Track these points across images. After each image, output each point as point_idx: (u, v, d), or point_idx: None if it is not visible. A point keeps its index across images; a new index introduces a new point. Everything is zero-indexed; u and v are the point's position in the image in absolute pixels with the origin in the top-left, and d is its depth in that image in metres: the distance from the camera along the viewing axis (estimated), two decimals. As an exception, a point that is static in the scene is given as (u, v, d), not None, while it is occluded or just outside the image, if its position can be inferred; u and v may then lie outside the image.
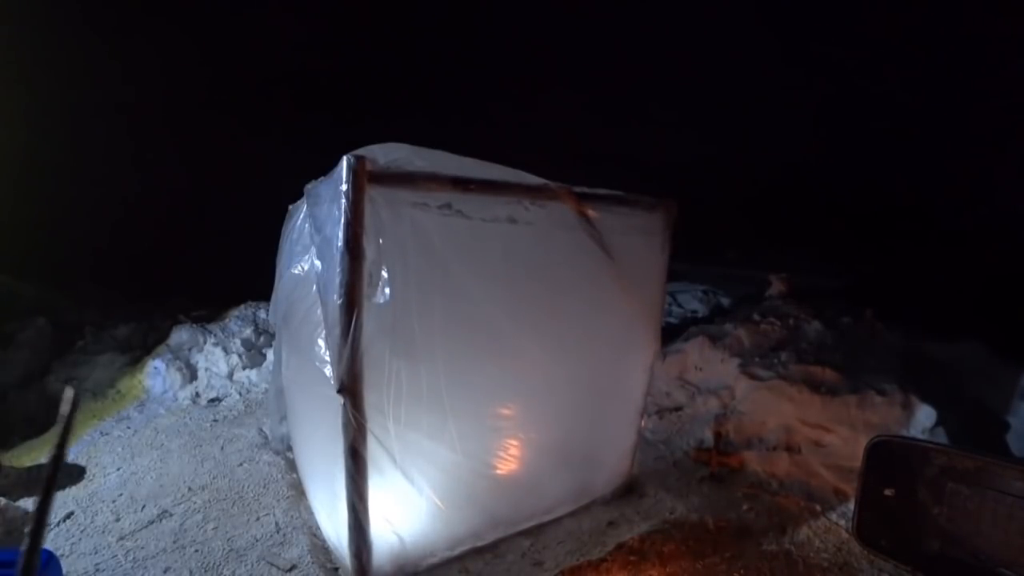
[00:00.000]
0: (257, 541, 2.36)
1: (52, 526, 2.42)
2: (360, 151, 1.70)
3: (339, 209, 1.68)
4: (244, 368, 4.29)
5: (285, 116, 8.43)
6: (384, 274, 1.75)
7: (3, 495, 2.54)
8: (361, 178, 1.67)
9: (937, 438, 2.87)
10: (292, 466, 2.91)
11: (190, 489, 2.78)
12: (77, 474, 2.89)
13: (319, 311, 1.93)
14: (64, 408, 1.50)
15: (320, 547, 2.31)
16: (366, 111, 8.34)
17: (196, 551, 2.28)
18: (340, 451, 1.80)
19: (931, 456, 2.23)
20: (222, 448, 3.26)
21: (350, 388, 1.73)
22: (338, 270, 1.70)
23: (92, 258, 6.24)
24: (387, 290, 1.76)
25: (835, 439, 3.00)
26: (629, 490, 2.80)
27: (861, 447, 2.41)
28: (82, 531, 2.41)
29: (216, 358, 4.24)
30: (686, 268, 6.30)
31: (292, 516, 2.56)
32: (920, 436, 2.84)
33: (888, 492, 2.30)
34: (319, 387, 1.91)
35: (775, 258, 5.88)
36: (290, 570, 2.17)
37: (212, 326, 4.54)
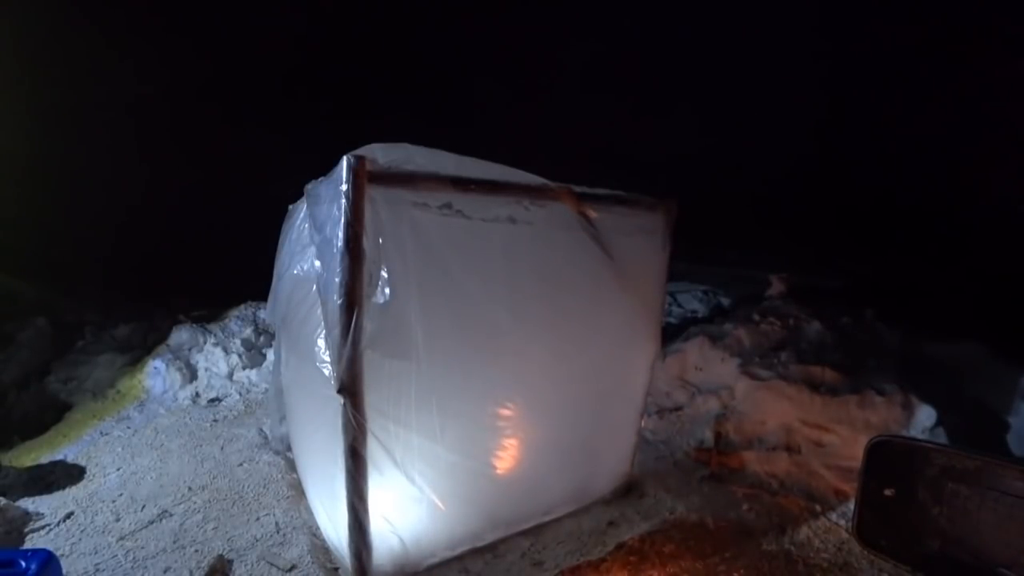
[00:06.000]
0: (257, 541, 2.36)
1: (52, 526, 2.43)
2: (360, 151, 1.69)
3: (339, 209, 1.68)
4: (244, 368, 4.29)
5: (285, 115, 8.43)
6: (384, 274, 1.75)
7: (3, 495, 2.55)
8: (361, 178, 1.67)
9: (937, 438, 2.87)
10: (292, 466, 2.91)
11: (190, 489, 2.78)
12: (77, 474, 2.89)
13: (319, 311, 1.93)
14: None
15: (320, 547, 2.31)
16: (366, 111, 8.34)
17: (196, 551, 2.28)
18: (340, 451, 1.79)
19: (931, 456, 2.23)
20: (222, 448, 3.26)
21: (350, 388, 1.73)
22: (338, 270, 1.69)
23: (92, 258, 6.24)
24: (387, 290, 1.76)
25: (835, 439, 3.00)
26: (629, 490, 2.80)
27: (861, 447, 2.41)
28: (82, 531, 2.41)
29: (216, 358, 4.24)
30: (686, 268, 6.29)
31: (292, 516, 2.56)
32: (920, 436, 2.85)
33: (888, 492, 2.30)
34: (319, 387, 1.91)
35: (775, 258, 5.87)
36: (290, 570, 2.18)
37: (212, 326, 4.54)
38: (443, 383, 1.95)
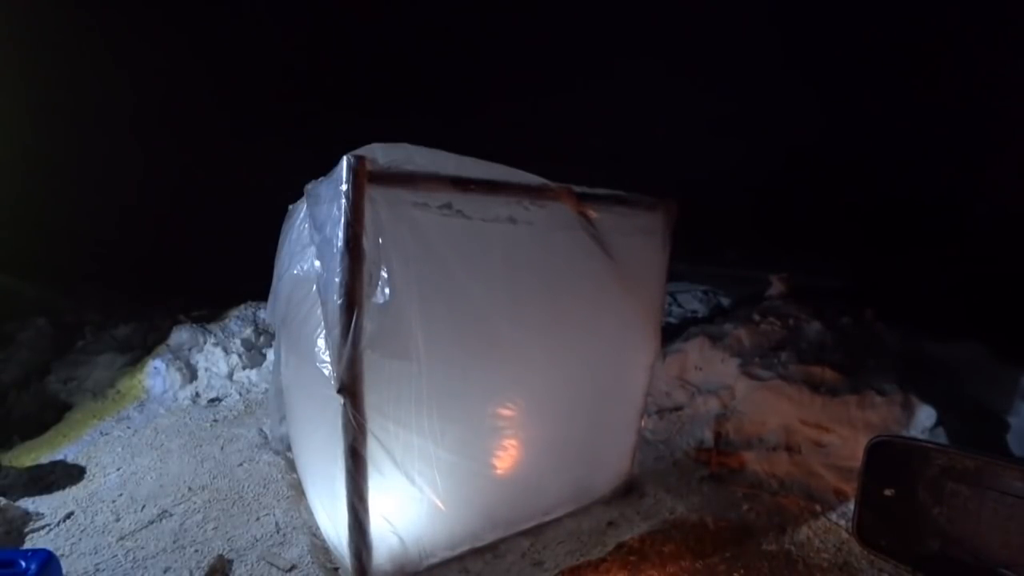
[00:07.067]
0: (257, 541, 2.36)
1: (52, 526, 2.43)
2: (360, 151, 1.69)
3: (339, 209, 1.68)
4: (244, 368, 4.29)
5: (285, 116, 8.43)
6: (384, 274, 1.75)
7: (3, 495, 2.55)
8: (361, 178, 1.67)
9: (937, 438, 2.87)
10: (292, 466, 2.91)
11: (190, 489, 2.78)
12: (77, 474, 2.89)
13: (319, 311, 1.93)
14: None
15: (320, 547, 2.31)
16: (366, 110, 8.34)
17: (196, 551, 2.28)
18: (340, 451, 1.80)
19: (931, 456, 2.23)
20: (222, 448, 3.26)
21: (350, 388, 1.73)
22: (338, 270, 1.69)
23: (92, 258, 6.24)
24: (387, 290, 1.76)
25: (835, 439, 3.00)
26: (629, 490, 2.80)
27: (861, 447, 2.41)
28: (82, 531, 2.41)
29: (216, 358, 4.24)
30: (686, 268, 6.29)
31: (292, 516, 2.56)
32: (920, 436, 2.84)
33: (888, 492, 2.30)
34: (319, 387, 1.91)
35: (775, 258, 5.87)
36: (290, 570, 2.18)
37: (212, 326, 4.54)
38: (443, 383, 1.95)
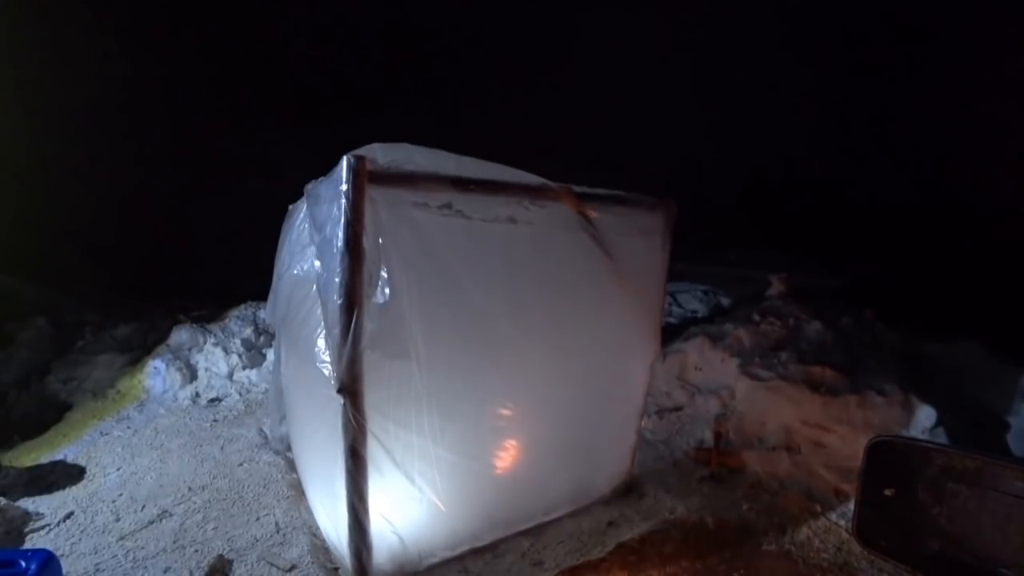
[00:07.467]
0: (257, 541, 2.36)
1: (52, 526, 2.43)
2: (360, 151, 1.70)
3: (339, 209, 1.68)
4: (244, 368, 4.29)
5: (285, 115, 8.43)
6: (384, 274, 1.75)
7: (3, 495, 2.55)
8: (361, 178, 1.67)
9: (937, 438, 2.87)
10: (292, 466, 2.91)
11: (190, 489, 2.78)
12: (77, 474, 2.89)
13: (319, 311, 1.93)
14: None
15: (320, 547, 2.31)
16: (366, 110, 8.34)
17: (196, 551, 2.28)
18: (340, 451, 1.80)
19: (931, 456, 2.23)
20: (222, 448, 3.26)
21: (350, 388, 1.73)
22: (338, 270, 1.69)
23: (92, 258, 6.24)
24: (387, 290, 1.76)
25: (835, 439, 3.00)
26: (629, 490, 2.80)
27: (861, 447, 2.41)
28: (82, 531, 2.41)
29: (216, 358, 4.24)
30: (686, 268, 6.29)
31: (292, 516, 2.56)
32: (920, 436, 2.85)
33: (888, 492, 2.30)
34: (319, 387, 1.91)
35: (775, 258, 5.87)
36: (290, 570, 2.18)
37: (212, 326, 4.54)
38: (443, 383, 1.95)
